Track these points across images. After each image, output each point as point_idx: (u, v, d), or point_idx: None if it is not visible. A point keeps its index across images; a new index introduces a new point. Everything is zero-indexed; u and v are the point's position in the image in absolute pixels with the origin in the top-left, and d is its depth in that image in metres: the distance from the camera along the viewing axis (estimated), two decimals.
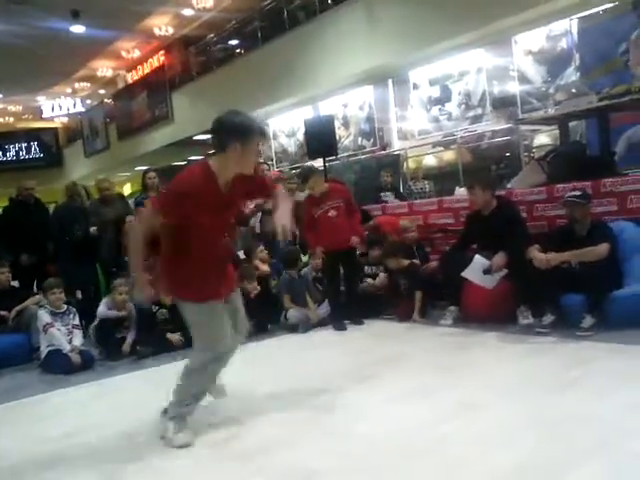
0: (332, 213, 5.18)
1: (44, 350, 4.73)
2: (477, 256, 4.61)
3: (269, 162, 12.25)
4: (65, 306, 4.96)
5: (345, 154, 12.24)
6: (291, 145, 14.47)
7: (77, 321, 4.97)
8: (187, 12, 15.20)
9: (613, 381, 3.02)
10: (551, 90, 8.99)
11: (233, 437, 2.85)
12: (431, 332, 4.67)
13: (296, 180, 5.34)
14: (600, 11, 7.96)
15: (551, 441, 2.41)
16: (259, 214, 6.77)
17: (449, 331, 4.60)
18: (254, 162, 2.79)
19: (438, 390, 3.18)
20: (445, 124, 10.99)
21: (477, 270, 4.56)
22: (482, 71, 10.27)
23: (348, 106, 12.85)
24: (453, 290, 4.83)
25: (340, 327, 5.13)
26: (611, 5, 7.81)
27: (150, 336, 4.95)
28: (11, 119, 24.42)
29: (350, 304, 5.31)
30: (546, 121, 6.98)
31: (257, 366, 3.32)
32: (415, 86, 11.47)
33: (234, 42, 15.51)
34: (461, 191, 6.24)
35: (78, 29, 14.82)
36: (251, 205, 6.36)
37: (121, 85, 20.61)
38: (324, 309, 5.41)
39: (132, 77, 19.60)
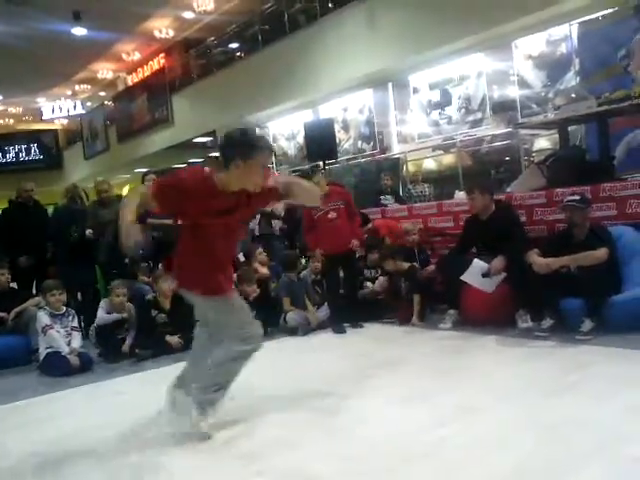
0: (332, 215, 5.18)
1: (43, 352, 4.73)
2: (476, 260, 4.62)
3: (269, 165, 12.24)
4: (64, 308, 4.95)
5: (345, 157, 12.27)
6: (291, 148, 14.49)
7: (76, 323, 4.97)
8: (188, 15, 15.25)
9: (612, 385, 3.02)
10: (551, 95, 9.01)
11: (233, 439, 2.85)
12: (430, 336, 4.67)
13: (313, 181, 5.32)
14: (600, 16, 7.98)
15: (550, 445, 2.41)
16: (258, 216, 6.78)
17: (448, 335, 4.60)
18: (258, 180, 2.77)
19: (437, 393, 3.18)
20: (445, 128, 11.01)
21: (476, 274, 4.57)
22: (482, 75, 10.30)
23: (348, 109, 12.87)
24: (452, 294, 4.84)
25: (339, 330, 5.13)
26: (611, 11, 7.83)
27: (149, 338, 4.95)
28: (11, 121, 24.46)
29: (350, 307, 5.31)
30: (546, 125, 6.99)
31: (256, 369, 3.31)
32: (415, 90, 11.49)
33: (234, 45, 15.54)
34: (461, 195, 6.24)
35: (79, 31, 14.87)
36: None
37: (121, 87, 20.64)
38: (323, 312, 5.42)
39: (132, 79, 19.64)
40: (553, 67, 9.20)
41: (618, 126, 6.23)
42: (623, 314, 3.94)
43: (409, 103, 11.63)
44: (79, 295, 6.29)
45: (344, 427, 2.86)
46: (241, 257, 5.98)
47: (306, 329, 5.24)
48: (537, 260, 4.18)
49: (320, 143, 8.31)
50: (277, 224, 7.23)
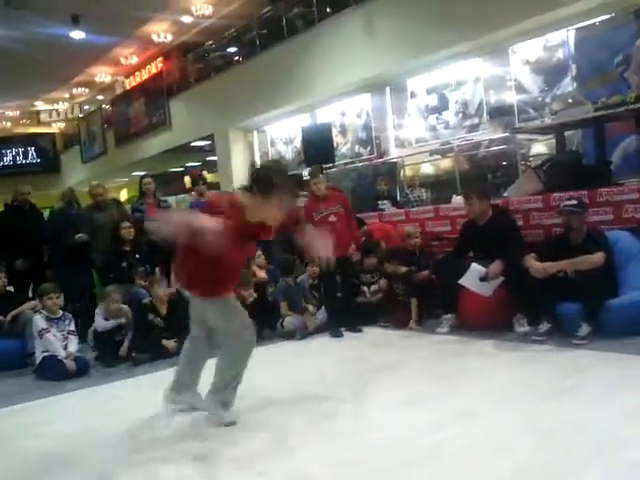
0: (332, 219, 5.19)
1: (39, 356, 4.71)
2: (474, 264, 4.62)
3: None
4: (61, 312, 4.94)
5: (342, 162, 12.27)
6: (288, 152, 14.49)
7: (73, 327, 4.94)
8: (186, 19, 15.27)
9: (609, 389, 3.02)
10: (548, 100, 9.03)
11: (231, 442, 2.84)
12: (428, 340, 4.67)
13: (317, 179, 5.33)
14: (597, 23, 8.02)
15: (548, 449, 2.42)
16: None
17: (446, 339, 4.60)
18: (277, 217, 2.88)
19: (435, 398, 3.18)
20: (442, 132, 11.03)
21: (474, 278, 4.57)
22: (479, 80, 10.32)
23: (346, 114, 12.88)
24: (450, 298, 4.84)
25: (337, 334, 5.13)
26: (608, 17, 7.87)
27: (146, 342, 4.94)
28: (8, 124, 24.42)
29: (347, 311, 5.31)
30: (543, 130, 7.02)
31: (254, 373, 3.32)
32: (413, 94, 11.51)
33: (232, 49, 15.56)
34: (458, 199, 6.25)
35: (77, 35, 14.87)
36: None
37: (119, 91, 20.65)
38: (321, 316, 5.41)
39: (130, 83, 19.64)
40: (550, 72, 9.23)
41: (614, 131, 6.25)
42: (620, 318, 3.95)
43: (406, 108, 11.64)
44: (76, 299, 6.27)
45: (342, 431, 2.85)
46: None
47: (303, 333, 5.24)
48: (534, 264, 4.19)
49: (318, 147, 8.32)
50: None
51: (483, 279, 4.54)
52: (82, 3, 12.75)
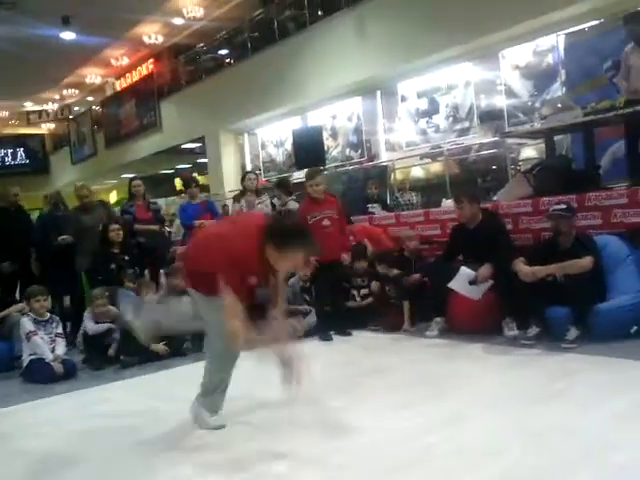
0: (326, 223, 5.19)
1: (26, 358, 4.67)
2: (463, 267, 4.63)
3: (257, 171, 12.25)
4: (48, 314, 4.90)
5: (333, 165, 12.28)
6: (279, 155, 14.49)
7: (60, 330, 4.91)
8: (177, 21, 15.26)
9: (598, 393, 3.03)
10: (537, 104, 9.10)
11: (220, 447, 2.83)
12: (417, 343, 4.67)
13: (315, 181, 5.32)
14: (586, 28, 8.09)
15: (537, 452, 2.42)
16: None
17: (435, 342, 4.61)
18: (288, 269, 2.88)
19: (424, 401, 3.17)
20: (432, 136, 11.07)
21: (463, 281, 4.58)
22: (470, 84, 10.38)
23: (337, 117, 12.91)
24: (439, 301, 4.84)
25: (326, 338, 5.12)
26: (597, 22, 7.94)
27: (134, 345, 4.90)
28: None
29: (337, 315, 5.31)
30: (532, 135, 7.05)
31: (242, 376, 3.31)
32: (403, 98, 11.55)
33: (224, 52, 15.55)
34: (448, 203, 6.27)
35: (68, 35, 14.81)
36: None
37: (109, 92, 20.57)
38: (311, 319, 5.40)
39: (121, 85, 19.58)
40: (540, 77, 9.30)
41: (603, 136, 6.29)
42: (608, 322, 3.97)
43: (397, 111, 11.68)
44: (64, 301, 6.22)
45: (332, 435, 2.84)
46: None
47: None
48: (523, 268, 4.20)
49: (308, 150, 8.31)
50: None
51: (472, 282, 4.55)
52: (73, 4, 12.71)
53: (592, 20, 8.00)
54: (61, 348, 4.75)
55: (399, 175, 10.25)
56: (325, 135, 11.47)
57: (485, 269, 4.52)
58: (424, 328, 4.94)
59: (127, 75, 18.93)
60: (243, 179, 6.96)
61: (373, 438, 2.74)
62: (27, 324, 4.72)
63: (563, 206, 4.38)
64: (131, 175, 8.20)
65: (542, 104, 8.40)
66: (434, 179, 10.32)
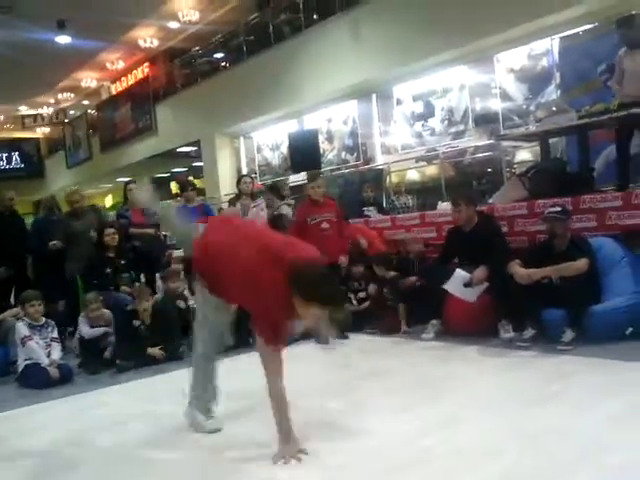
0: (325, 225, 5.19)
1: (21, 364, 4.65)
2: (458, 269, 4.64)
3: (253, 175, 12.25)
4: (43, 319, 4.88)
5: (329, 168, 12.30)
6: (275, 158, 14.49)
7: (56, 334, 4.89)
8: (173, 25, 15.26)
9: (594, 395, 3.04)
10: (532, 107, 9.13)
11: (217, 449, 2.83)
12: (414, 346, 4.68)
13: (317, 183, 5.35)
14: (580, 32, 8.13)
15: (533, 454, 2.42)
16: None
17: (431, 345, 4.61)
18: (310, 324, 2.79)
19: (421, 404, 3.18)
20: (428, 139, 11.10)
21: (458, 283, 4.59)
22: (465, 88, 10.41)
23: (332, 120, 12.92)
24: (435, 304, 4.85)
25: (322, 341, 5.11)
26: (591, 26, 7.98)
27: (131, 349, 4.90)
28: None
29: None
30: (527, 138, 7.08)
31: (239, 380, 3.30)
32: (399, 101, 11.58)
33: (219, 55, 15.56)
34: (444, 206, 6.29)
35: (63, 39, 14.79)
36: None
37: (105, 96, 20.55)
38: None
39: (116, 88, 19.57)
40: (534, 80, 9.34)
41: (598, 139, 6.32)
42: (603, 324, 3.99)
43: (393, 114, 11.71)
44: (61, 305, 6.20)
45: (328, 438, 2.84)
46: None
47: (289, 339, 5.20)
48: (518, 271, 4.22)
49: (304, 154, 8.32)
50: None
51: (467, 285, 4.56)
52: (68, 8, 12.70)
53: (586, 24, 8.05)
54: (57, 353, 4.73)
55: (395, 178, 10.29)
56: (321, 138, 11.48)
57: (480, 271, 4.53)
58: (421, 330, 4.95)
59: (122, 79, 18.93)
60: (238, 182, 6.97)
61: (371, 441, 2.74)
62: (22, 329, 4.70)
63: (558, 208, 4.40)
64: (126, 179, 8.17)
65: (537, 107, 8.44)
66: (430, 182, 10.36)
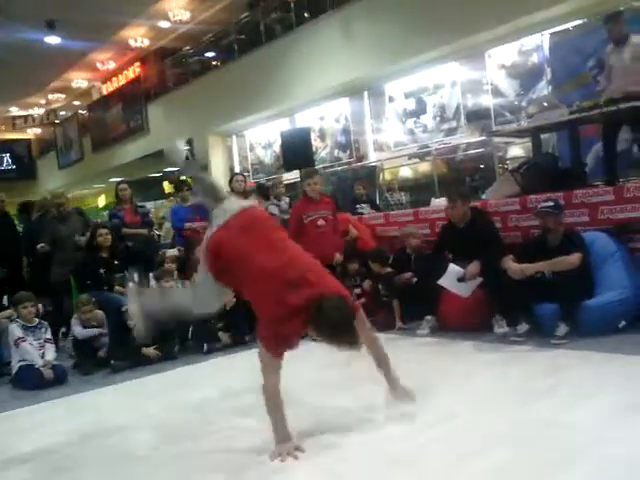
0: (321, 223, 5.19)
1: (15, 365, 4.64)
2: (451, 264, 4.66)
3: (245, 173, 12.24)
4: (37, 320, 4.87)
5: (321, 166, 12.29)
6: (267, 157, 14.48)
7: (49, 335, 4.88)
8: (163, 24, 15.20)
9: (588, 388, 3.05)
10: (523, 103, 9.16)
11: (213, 449, 2.83)
12: (409, 342, 4.68)
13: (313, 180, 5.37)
14: (570, 27, 8.17)
15: (529, 449, 2.43)
16: None
17: (426, 341, 4.62)
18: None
19: (417, 399, 3.18)
20: (420, 136, 11.12)
21: (452, 278, 4.60)
22: (456, 84, 10.43)
23: (324, 118, 12.92)
24: (430, 299, 4.86)
25: (319, 340, 5.11)
26: (580, 22, 8.02)
27: (125, 349, 4.89)
28: None
29: None
30: (519, 133, 7.09)
31: (235, 378, 3.30)
32: (391, 99, 11.59)
33: (210, 54, 15.52)
34: (437, 202, 6.29)
35: (53, 40, 14.71)
36: None
37: (96, 96, 20.46)
38: None
39: (107, 89, 19.49)
40: (525, 76, 9.37)
41: (588, 135, 6.35)
42: (596, 318, 4.01)
43: (385, 112, 11.72)
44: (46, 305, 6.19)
45: (322, 436, 2.84)
46: None
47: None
48: (512, 266, 4.23)
49: (297, 152, 8.31)
50: None
51: (461, 280, 4.57)
52: (57, 8, 12.63)
53: (576, 20, 8.08)
54: (51, 354, 4.73)
55: (388, 175, 10.30)
56: (313, 136, 11.48)
57: (473, 266, 4.55)
58: (415, 327, 4.96)
59: (113, 79, 18.85)
60: (231, 181, 6.96)
61: (366, 438, 2.75)
62: (15, 330, 4.68)
63: (551, 203, 4.41)
64: (118, 179, 8.15)
65: (528, 103, 8.46)
66: (422, 179, 10.37)
